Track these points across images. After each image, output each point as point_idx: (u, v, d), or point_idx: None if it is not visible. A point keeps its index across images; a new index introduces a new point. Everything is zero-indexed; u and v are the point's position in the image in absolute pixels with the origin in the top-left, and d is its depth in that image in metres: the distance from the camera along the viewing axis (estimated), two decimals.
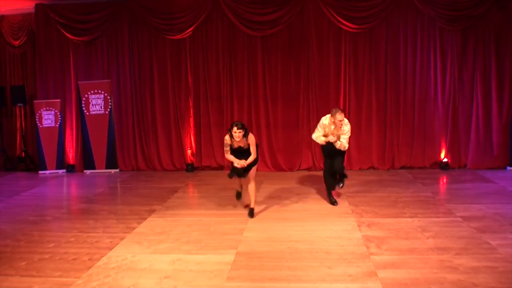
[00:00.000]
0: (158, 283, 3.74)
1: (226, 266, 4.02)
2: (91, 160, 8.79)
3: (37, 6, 8.67)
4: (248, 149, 5.32)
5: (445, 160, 8.01)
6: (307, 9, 8.00)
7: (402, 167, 8.11)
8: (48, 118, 8.79)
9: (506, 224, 4.89)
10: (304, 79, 8.19)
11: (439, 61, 7.86)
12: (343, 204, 5.87)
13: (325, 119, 5.61)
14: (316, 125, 5.79)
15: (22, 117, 9.33)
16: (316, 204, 5.96)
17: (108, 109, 8.75)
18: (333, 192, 5.98)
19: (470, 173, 7.66)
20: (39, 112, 8.77)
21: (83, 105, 8.77)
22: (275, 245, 4.50)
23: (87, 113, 8.77)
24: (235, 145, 5.30)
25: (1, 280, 3.88)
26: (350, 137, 5.65)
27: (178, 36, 8.35)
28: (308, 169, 8.27)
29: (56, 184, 7.99)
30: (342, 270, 3.86)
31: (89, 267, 4.08)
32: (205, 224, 5.22)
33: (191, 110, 8.57)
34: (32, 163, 9.24)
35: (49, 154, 8.83)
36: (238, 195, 5.87)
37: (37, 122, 8.79)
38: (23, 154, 9.24)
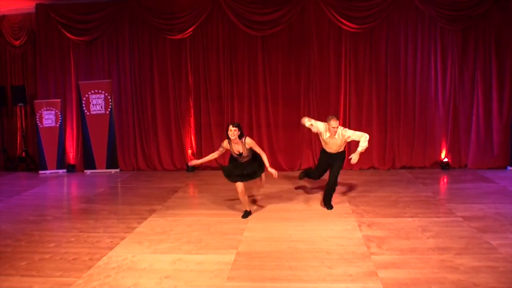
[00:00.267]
0: (159, 283, 3.74)
1: (227, 266, 4.02)
2: (92, 160, 8.80)
3: (37, 6, 8.68)
4: (250, 159, 5.28)
5: (446, 160, 8.01)
6: (308, 9, 8.00)
7: (403, 167, 8.11)
8: (48, 118, 8.80)
9: (506, 224, 4.89)
10: (305, 79, 8.19)
11: (440, 61, 7.86)
12: (343, 204, 5.87)
13: (322, 126, 5.62)
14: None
15: (23, 117, 9.34)
16: (317, 204, 5.96)
17: (109, 109, 8.75)
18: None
19: (470, 173, 7.66)
20: (40, 112, 8.77)
21: (83, 105, 8.77)
22: (275, 245, 4.50)
23: (88, 113, 8.77)
24: (235, 151, 5.22)
25: (2, 280, 3.88)
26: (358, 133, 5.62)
27: (179, 36, 8.35)
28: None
29: (56, 184, 8.00)
30: (343, 270, 3.86)
31: (90, 267, 4.08)
32: (206, 224, 5.22)
33: (192, 110, 8.57)
34: (33, 163, 9.25)
35: (50, 154, 8.84)
36: (246, 214, 5.47)
37: (38, 122, 8.79)
38: (23, 154, 9.25)
